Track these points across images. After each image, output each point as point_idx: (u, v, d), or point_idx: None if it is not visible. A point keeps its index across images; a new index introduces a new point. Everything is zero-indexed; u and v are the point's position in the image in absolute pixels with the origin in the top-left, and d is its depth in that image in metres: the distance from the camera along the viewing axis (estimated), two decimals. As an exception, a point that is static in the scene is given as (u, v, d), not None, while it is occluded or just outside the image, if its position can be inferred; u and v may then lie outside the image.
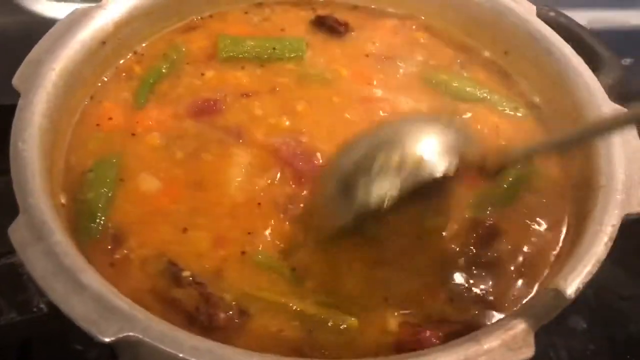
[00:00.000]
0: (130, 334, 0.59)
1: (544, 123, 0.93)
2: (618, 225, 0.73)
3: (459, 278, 0.76)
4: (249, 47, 0.96)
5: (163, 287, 0.71)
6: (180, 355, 0.59)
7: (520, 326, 0.64)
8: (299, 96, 0.91)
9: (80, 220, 0.75)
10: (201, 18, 1.01)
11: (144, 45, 0.96)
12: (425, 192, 0.69)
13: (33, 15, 1.11)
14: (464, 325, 0.71)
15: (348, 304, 0.72)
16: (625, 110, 0.77)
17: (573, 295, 0.68)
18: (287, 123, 0.87)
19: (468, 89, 0.95)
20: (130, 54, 0.94)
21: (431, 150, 0.69)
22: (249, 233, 0.76)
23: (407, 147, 0.69)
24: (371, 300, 0.73)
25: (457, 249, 0.78)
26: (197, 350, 0.59)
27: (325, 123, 0.88)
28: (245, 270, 0.74)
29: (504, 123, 0.92)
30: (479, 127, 0.90)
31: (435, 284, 0.75)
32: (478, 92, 0.95)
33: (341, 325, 0.70)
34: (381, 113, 0.90)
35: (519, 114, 0.94)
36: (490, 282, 0.76)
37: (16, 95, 0.77)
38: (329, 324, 0.70)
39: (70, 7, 0.89)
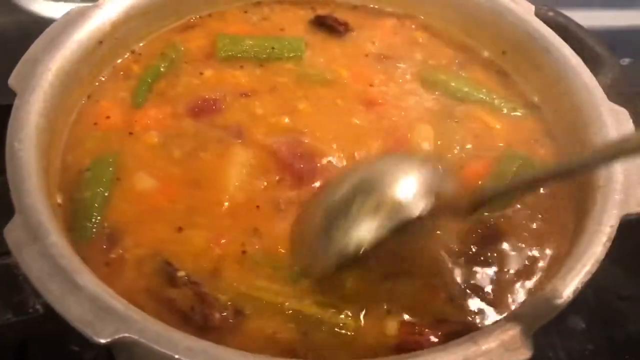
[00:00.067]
0: (126, 335, 0.59)
1: (543, 123, 0.93)
2: (617, 226, 0.73)
3: (459, 278, 0.76)
4: (247, 46, 0.96)
5: (158, 287, 0.71)
6: (176, 356, 0.59)
7: (518, 327, 0.64)
8: (299, 96, 0.91)
9: (76, 220, 0.75)
10: (200, 17, 1.01)
11: (141, 44, 0.96)
12: (404, 230, 0.70)
13: (30, 15, 1.11)
14: (464, 325, 0.71)
15: (346, 304, 0.72)
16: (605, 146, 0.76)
17: (571, 296, 0.68)
18: (287, 121, 0.87)
19: (466, 89, 0.95)
20: (128, 53, 0.94)
21: (407, 192, 0.72)
22: (246, 233, 0.76)
23: (383, 190, 0.71)
24: (370, 300, 0.73)
25: (458, 249, 0.78)
26: (192, 351, 0.59)
27: (325, 123, 0.88)
28: (242, 271, 0.73)
29: (502, 123, 0.92)
30: (476, 127, 0.90)
31: (435, 283, 0.75)
32: (476, 92, 0.95)
33: (339, 325, 0.70)
34: (380, 113, 0.90)
35: (518, 114, 0.94)
36: (490, 282, 0.76)
37: (13, 95, 0.77)
38: (327, 325, 0.70)
39: (67, 7, 0.89)
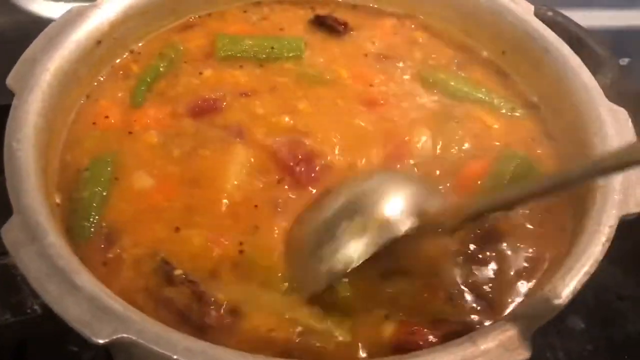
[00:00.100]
0: (124, 335, 0.59)
1: (542, 123, 0.92)
2: (615, 226, 0.73)
3: (458, 277, 0.76)
4: (247, 46, 0.96)
5: (156, 286, 0.71)
6: (174, 357, 0.59)
7: (517, 327, 0.64)
8: (299, 96, 0.91)
9: (74, 219, 0.75)
10: (199, 17, 1.01)
11: (140, 44, 0.96)
12: (393, 246, 0.71)
13: (29, 15, 1.11)
14: (463, 325, 0.71)
15: (342, 310, 0.72)
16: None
17: (570, 296, 0.68)
18: (287, 121, 0.87)
19: (466, 88, 0.95)
20: (127, 53, 0.94)
21: (392, 212, 0.72)
22: (244, 233, 0.76)
23: (367, 211, 0.72)
24: (367, 302, 0.73)
25: (456, 249, 0.78)
26: (191, 351, 0.59)
27: (325, 123, 0.87)
28: (239, 271, 0.73)
29: (501, 123, 0.92)
30: (475, 127, 0.90)
31: (433, 283, 0.75)
32: (476, 92, 0.95)
33: (334, 335, 0.70)
34: (380, 113, 0.90)
35: (517, 114, 0.93)
36: (489, 282, 0.76)
37: (11, 95, 0.77)
38: (321, 334, 0.70)
39: (65, 7, 0.89)
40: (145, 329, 0.60)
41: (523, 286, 0.76)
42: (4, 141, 0.72)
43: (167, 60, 0.93)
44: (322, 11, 1.04)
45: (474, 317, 0.73)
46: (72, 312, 0.60)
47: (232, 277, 0.73)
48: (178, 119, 0.86)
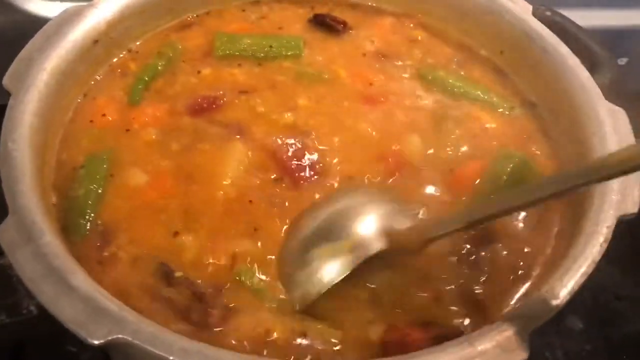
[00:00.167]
0: (120, 336, 0.59)
1: (540, 122, 0.92)
2: (613, 226, 0.73)
3: (450, 278, 0.75)
4: (245, 44, 0.96)
5: (153, 285, 0.71)
6: (170, 357, 0.59)
7: (514, 327, 0.64)
8: (297, 94, 0.91)
9: (70, 217, 0.75)
10: (197, 15, 1.01)
11: (138, 43, 0.96)
12: (369, 261, 0.72)
13: (25, 14, 1.11)
14: (454, 328, 0.71)
15: (333, 307, 0.72)
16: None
17: (568, 297, 0.67)
18: (287, 119, 0.87)
19: (464, 87, 0.95)
20: (124, 52, 0.94)
21: (364, 230, 0.74)
22: (243, 233, 0.76)
23: (337, 235, 0.74)
24: (357, 302, 0.72)
25: (450, 249, 0.77)
26: (186, 351, 0.59)
27: (324, 122, 0.87)
28: (237, 271, 0.73)
29: (499, 122, 0.92)
30: (473, 125, 0.90)
31: (424, 284, 0.75)
32: (474, 91, 0.95)
33: (325, 339, 0.70)
34: (379, 112, 0.90)
35: (515, 113, 0.93)
36: (483, 283, 0.75)
37: (7, 95, 0.77)
38: (315, 329, 0.70)
39: (62, 6, 0.89)
40: (141, 329, 0.60)
41: (518, 287, 0.76)
42: (0, 141, 0.72)
43: (165, 59, 0.93)
44: (321, 10, 1.04)
45: (463, 320, 0.72)
46: (67, 313, 0.60)
47: (230, 277, 0.72)
48: (176, 116, 0.86)
